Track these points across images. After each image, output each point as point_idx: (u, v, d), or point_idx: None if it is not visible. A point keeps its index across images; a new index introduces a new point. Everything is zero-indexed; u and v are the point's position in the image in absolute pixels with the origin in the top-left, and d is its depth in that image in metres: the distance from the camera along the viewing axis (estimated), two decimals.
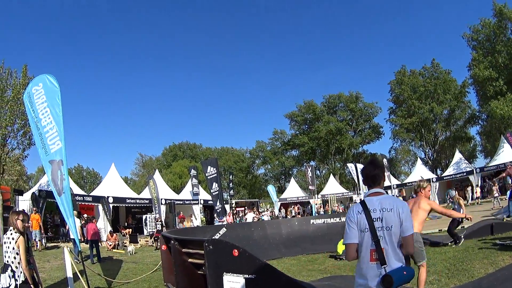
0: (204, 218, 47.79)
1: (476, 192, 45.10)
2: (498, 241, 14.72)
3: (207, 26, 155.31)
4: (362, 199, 4.55)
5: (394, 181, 60.77)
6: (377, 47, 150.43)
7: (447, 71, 76.52)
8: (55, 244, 29.42)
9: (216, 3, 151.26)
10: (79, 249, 14.17)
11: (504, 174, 24.71)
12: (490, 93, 57.25)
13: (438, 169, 77.34)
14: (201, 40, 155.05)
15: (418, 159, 70.40)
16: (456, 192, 15.81)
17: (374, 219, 4.26)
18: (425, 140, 77.70)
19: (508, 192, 23.84)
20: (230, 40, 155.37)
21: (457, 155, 58.31)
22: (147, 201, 39.90)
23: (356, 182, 33.60)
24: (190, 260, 9.26)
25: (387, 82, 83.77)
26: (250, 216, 42.92)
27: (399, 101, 79.30)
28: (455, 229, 16.61)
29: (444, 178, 55.97)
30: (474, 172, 50.20)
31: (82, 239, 22.03)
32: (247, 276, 7.09)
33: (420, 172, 58.61)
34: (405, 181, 63.37)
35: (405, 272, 4.18)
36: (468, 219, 10.92)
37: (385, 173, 4.35)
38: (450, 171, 56.41)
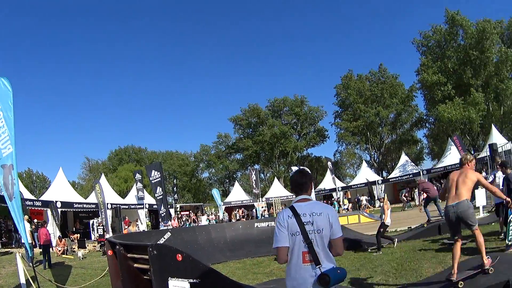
0: (149, 223, 47.79)
1: (423, 194, 45.47)
2: (446, 240, 14.94)
3: (150, 29, 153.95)
4: (291, 205, 4.74)
5: (339, 184, 61.75)
6: (325, 51, 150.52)
7: (395, 76, 77.64)
8: (8, 249, 29.18)
9: (159, 6, 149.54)
10: (31, 255, 13.99)
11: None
12: (438, 97, 58.40)
13: (384, 171, 78.26)
14: (145, 44, 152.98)
15: (364, 161, 71.82)
16: (385, 195, 16.06)
17: (305, 223, 4.45)
18: (371, 143, 78.60)
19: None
20: (174, 43, 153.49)
21: (403, 158, 59.78)
22: (93, 206, 39.47)
23: None
24: (135, 265, 9.17)
25: (333, 86, 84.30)
26: (204, 219, 42.82)
27: (345, 105, 79.91)
28: (385, 232, 16.75)
29: (390, 180, 57.30)
30: (421, 173, 51.33)
31: (34, 244, 21.85)
32: (191, 280, 7.20)
33: (365, 174, 59.94)
34: (350, 184, 64.23)
35: (339, 271, 4.39)
36: (508, 202, 10.95)
37: (312, 182, 4.38)
38: (396, 173, 57.79)
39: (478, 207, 21.41)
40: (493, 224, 17.31)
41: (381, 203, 17.46)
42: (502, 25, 58.68)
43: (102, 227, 33.33)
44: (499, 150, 32.97)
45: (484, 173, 35.64)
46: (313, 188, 5.08)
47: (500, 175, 14.44)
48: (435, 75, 58.14)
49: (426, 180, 22.69)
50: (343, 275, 4.44)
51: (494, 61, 55.90)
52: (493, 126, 48.39)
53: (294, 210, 4.57)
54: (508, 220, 11.85)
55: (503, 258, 9.56)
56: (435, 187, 21.94)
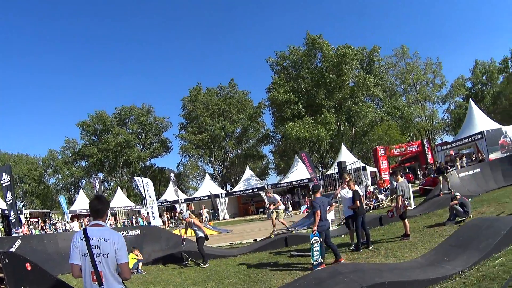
0: (2, 228, 44.64)
1: (268, 207, 46.25)
2: (293, 252, 15.68)
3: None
4: (84, 228, 5.38)
5: (182, 195, 60.77)
6: (176, 63, 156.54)
7: (244, 92, 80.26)
8: None
9: None
10: None
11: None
12: (287, 115, 59.47)
13: (227, 185, 79.53)
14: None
15: (207, 174, 71.79)
16: (189, 212, 16.15)
17: (93, 246, 5.07)
18: (215, 157, 79.37)
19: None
20: (26, 42, 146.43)
21: (248, 172, 60.69)
22: None
23: (143, 195, 34.25)
24: None
25: (180, 98, 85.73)
26: (76, 225, 41.21)
27: (191, 117, 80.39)
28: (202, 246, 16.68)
29: (234, 193, 57.99)
30: (266, 187, 51.73)
31: None
32: None
33: (208, 187, 60.16)
34: (193, 196, 64.32)
35: None
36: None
37: (109, 208, 5.89)
38: (240, 186, 58.36)
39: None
40: (343, 236, 17.98)
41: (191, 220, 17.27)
42: (364, 52, 61.19)
43: None
44: (348, 167, 33.92)
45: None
46: (109, 214, 5.71)
47: (346, 191, 14.80)
48: (286, 94, 59.18)
49: None
50: None
51: (350, 84, 58.29)
52: (343, 145, 51.22)
53: (85, 233, 5.16)
54: (311, 242, 12.39)
55: (357, 267, 10.07)
56: None
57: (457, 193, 17.20)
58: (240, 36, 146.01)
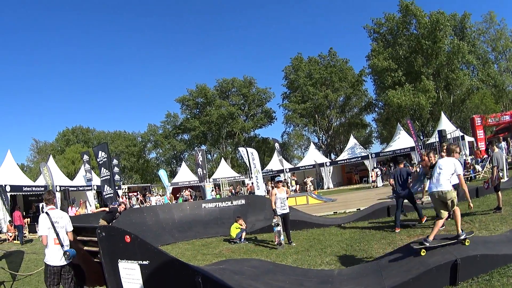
0: (98, 204, 46.36)
1: (371, 176, 46.53)
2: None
3: (98, 9, 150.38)
4: (46, 211, 8.32)
5: (287, 165, 61.81)
6: (275, 34, 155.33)
7: (345, 60, 77.94)
8: None
9: None
10: None
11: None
12: (388, 83, 58.74)
13: (332, 154, 78.73)
14: (90, 23, 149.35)
15: (311, 143, 71.76)
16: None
17: (55, 222, 8.15)
18: (319, 126, 78.30)
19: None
20: (120, 22, 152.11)
21: (352, 140, 60.31)
22: (43, 189, 37.99)
23: (248, 166, 33.97)
24: (85, 248, 9.02)
25: (281, 69, 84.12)
26: (154, 200, 42.24)
27: (294, 87, 79.26)
28: None
29: (338, 162, 58.07)
30: (370, 157, 52.63)
31: None
32: (141, 262, 7.34)
33: (313, 156, 60.15)
34: (298, 165, 64.72)
35: (72, 249, 8.15)
36: None
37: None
38: (344, 155, 58.27)
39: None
40: None
41: None
42: (455, 18, 59.30)
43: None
44: (448, 136, 33.54)
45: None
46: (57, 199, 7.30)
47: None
48: (385, 61, 58.56)
49: None
50: (74, 252, 8.10)
51: (446, 51, 56.56)
52: (442, 113, 50.05)
53: (48, 214, 8.18)
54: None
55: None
56: None
57: None
58: (337, 2, 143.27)
